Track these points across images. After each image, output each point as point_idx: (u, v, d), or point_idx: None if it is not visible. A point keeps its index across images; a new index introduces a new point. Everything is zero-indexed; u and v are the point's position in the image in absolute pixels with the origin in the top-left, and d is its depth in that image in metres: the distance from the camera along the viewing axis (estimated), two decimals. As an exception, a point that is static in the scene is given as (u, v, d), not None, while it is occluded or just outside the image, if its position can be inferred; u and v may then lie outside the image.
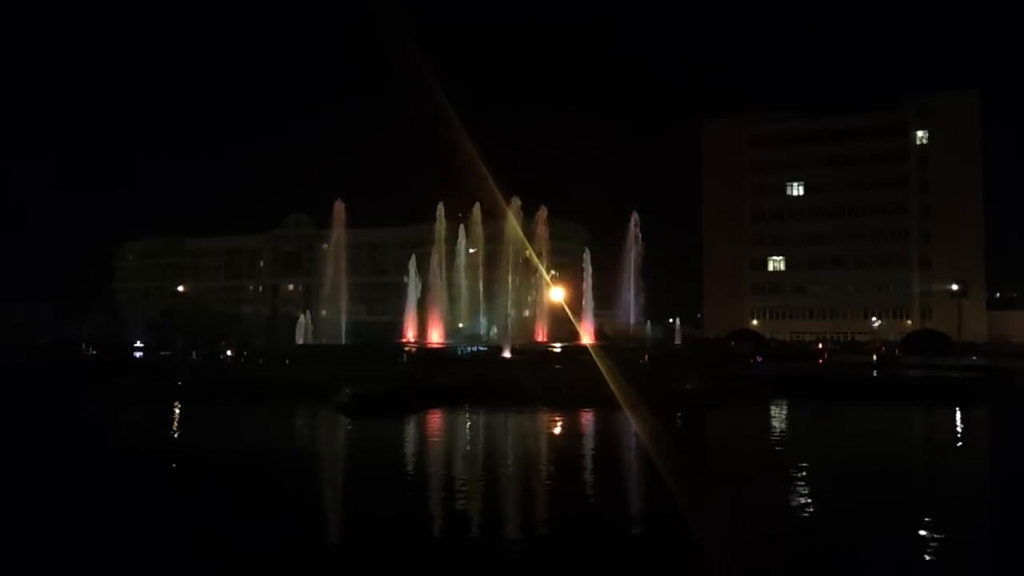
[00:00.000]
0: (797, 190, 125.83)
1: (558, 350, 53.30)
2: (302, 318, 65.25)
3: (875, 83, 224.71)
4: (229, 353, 52.72)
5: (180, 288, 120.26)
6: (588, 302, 64.38)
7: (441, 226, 67.77)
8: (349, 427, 30.05)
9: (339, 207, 66.06)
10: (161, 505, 16.40)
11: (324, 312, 70.73)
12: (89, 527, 14.72)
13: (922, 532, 14.69)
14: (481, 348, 54.58)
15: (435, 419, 31.88)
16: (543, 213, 68.99)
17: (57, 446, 24.96)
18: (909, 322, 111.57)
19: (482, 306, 70.80)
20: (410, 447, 26.31)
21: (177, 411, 34.26)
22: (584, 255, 65.97)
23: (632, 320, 70.26)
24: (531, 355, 49.81)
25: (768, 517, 15.98)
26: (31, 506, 16.40)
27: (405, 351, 51.14)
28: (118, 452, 24.28)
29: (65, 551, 13.24)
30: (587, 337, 58.23)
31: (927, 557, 13.30)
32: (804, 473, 20.60)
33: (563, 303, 66.29)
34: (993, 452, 26.55)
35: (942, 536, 14.42)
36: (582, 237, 68.49)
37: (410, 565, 12.58)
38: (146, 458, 22.53)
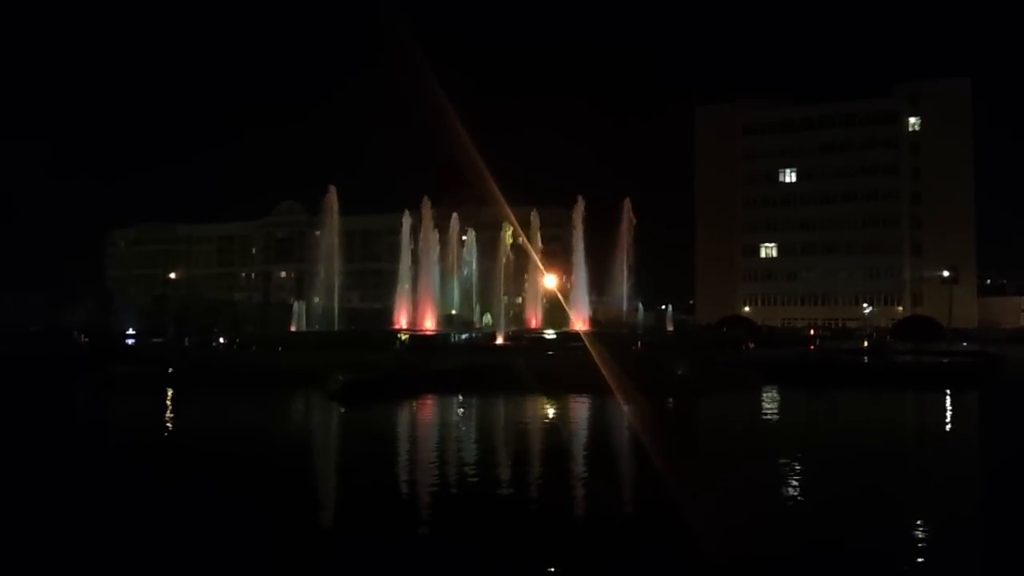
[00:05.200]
0: (789, 177, 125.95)
1: (551, 337, 53.38)
2: (295, 305, 65.11)
3: (867, 70, 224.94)
4: (222, 340, 52.61)
5: (172, 275, 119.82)
6: (581, 279, 64.39)
7: (429, 213, 67.21)
8: (341, 413, 30.09)
9: (331, 194, 65.86)
10: (155, 493, 16.43)
11: (317, 299, 70.52)
12: (85, 517, 14.74)
13: (905, 511, 14.83)
14: (474, 335, 54.59)
15: (428, 405, 31.93)
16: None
17: (49, 433, 24.93)
18: (900, 308, 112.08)
19: (475, 293, 70.74)
20: (402, 433, 26.37)
21: (169, 398, 34.20)
22: (575, 219, 65.31)
23: (624, 307, 70.31)
24: (524, 342, 49.86)
25: (752, 498, 16.12)
26: (26, 496, 16.42)
27: (398, 338, 51.11)
28: (111, 439, 24.31)
29: (64, 540, 13.26)
30: (580, 324, 58.31)
31: (916, 535, 13.44)
32: (792, 457, 20.74)
33: (556, 290, 66.32)
34: (982, 435, 26.77)
35: (927, 515, 14.56)
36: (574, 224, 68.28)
37: (403, 547, 12.65)
38: (139, 446, 22.54)
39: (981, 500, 16.57)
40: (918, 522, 14.47)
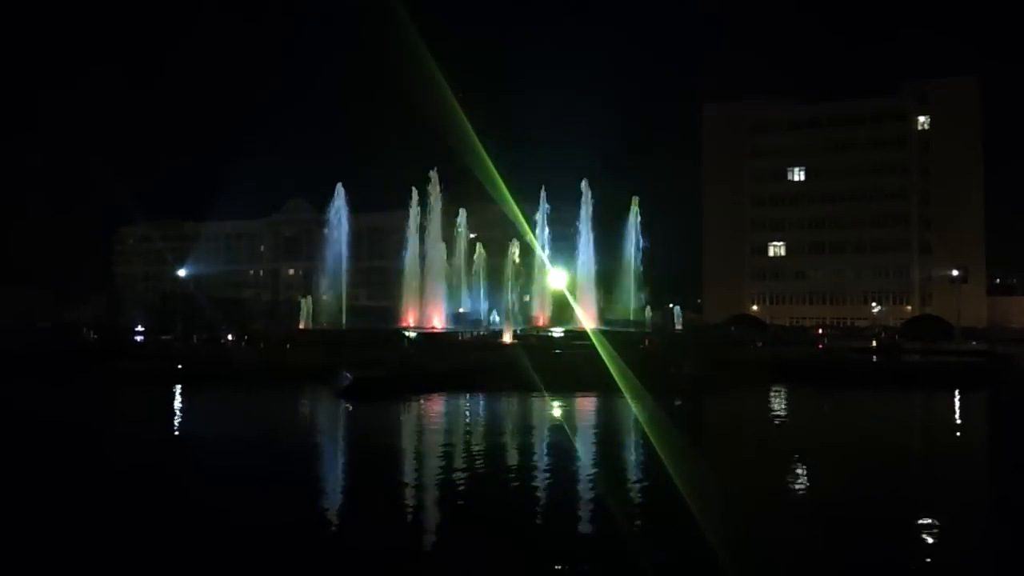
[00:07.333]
0: (797, 175, 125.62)
1: (559, 335, 53.38)
2: (303, 303, 65.29)
3: (876, 68, 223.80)
4: (230, 337, 52.71)
5: (180, 272, 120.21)
6: (588, 277, 64.46)
7: (435, 209, 67.07)
8: (349, 411, 30.15)
9: (339, 191, 66.12)
10: (164, 494, 16.48)
11: (324, 296, 70.72)
12: (95, 517, 14.80)
13: (903, 509, 14.79)
14: (481, 333, 54.62)
15: (435, 403, 31.96)
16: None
17: (61, 429, 25.02)
18: (909, 308, 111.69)
19: (482, 291, 70.83)
20: (408, 430, 26.42)
21: (178, 395, 34.31)
22: (583, 216, 65.39)
23: (632, 305, 70.30)
24: (531, 340, 49.85)
25: (758, 495, 16.09)
26: (36, 495, 16.49)
27: (406, 335, 51.17)
28: (121, 435, 24.39)
29: (74, 541, 13.32)
30: (587, 322, 58.26)
31: (920, 537, 13.40)
32: (800, 456, 20.70)
33: (563, 288, 66.33)
34: (990, 436, 26.69)
35: (929, 513, 14.52)
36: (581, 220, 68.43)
37: (409, 543, 12.66)
38: (149, 441, 22.64)
39: (999, 501, 16.53)
40: (930, 520, 14.44)
